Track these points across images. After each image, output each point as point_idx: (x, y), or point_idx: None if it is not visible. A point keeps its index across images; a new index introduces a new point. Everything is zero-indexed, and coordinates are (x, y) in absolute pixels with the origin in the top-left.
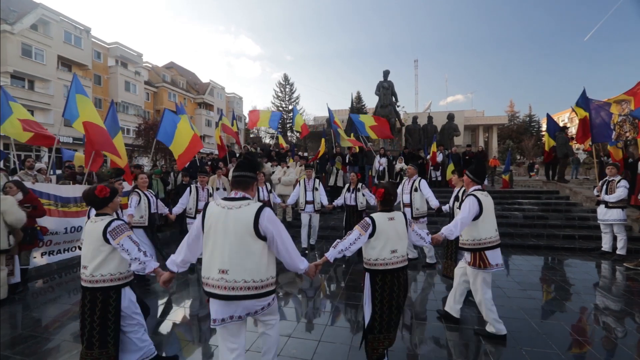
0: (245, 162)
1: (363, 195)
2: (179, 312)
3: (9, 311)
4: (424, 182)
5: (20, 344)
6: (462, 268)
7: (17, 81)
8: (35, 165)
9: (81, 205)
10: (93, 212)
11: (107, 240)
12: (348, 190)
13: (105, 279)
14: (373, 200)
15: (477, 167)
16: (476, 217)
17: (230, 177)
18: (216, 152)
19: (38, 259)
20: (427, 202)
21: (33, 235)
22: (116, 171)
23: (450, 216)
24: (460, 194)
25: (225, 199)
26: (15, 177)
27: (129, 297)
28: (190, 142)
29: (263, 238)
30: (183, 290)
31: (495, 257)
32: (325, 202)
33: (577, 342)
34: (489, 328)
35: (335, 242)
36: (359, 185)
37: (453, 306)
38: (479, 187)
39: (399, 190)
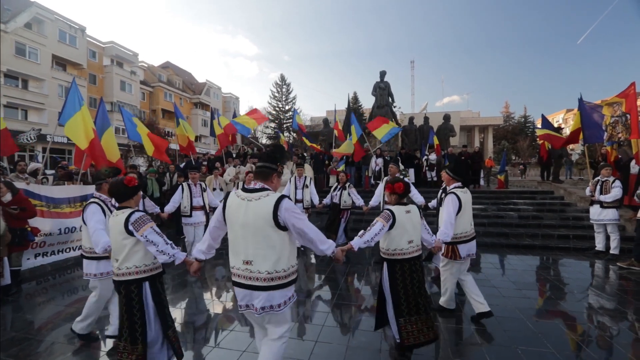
0: (266, 153)
1: (349, 194)
2: (175, 313)
3: (2, 313)
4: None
5: (13, 346)
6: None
7: (11, 80)
8: (27, 168)
9: (75, 206)
10: (91, 209)
11: (129, 233)
12: (335, 188)
13: (130, 272)
14: (359, 201)
15: (455, 165)
16: (457, 212)
17: (225, 178)
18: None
19: (32, 260)
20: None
21: (23, 237)
22: (114, 170)
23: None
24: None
25: (245, 189)
26: (7, 179)
27: (154, 291)
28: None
29: (283, 228)
30: (179, 291)
31: (467, 249)
32: (316, 201)
33: (572, 341)
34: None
35: (361, 233)
36: (347, 184)
37: (476, 304)
38: (459, 184)
39: (380, 188)
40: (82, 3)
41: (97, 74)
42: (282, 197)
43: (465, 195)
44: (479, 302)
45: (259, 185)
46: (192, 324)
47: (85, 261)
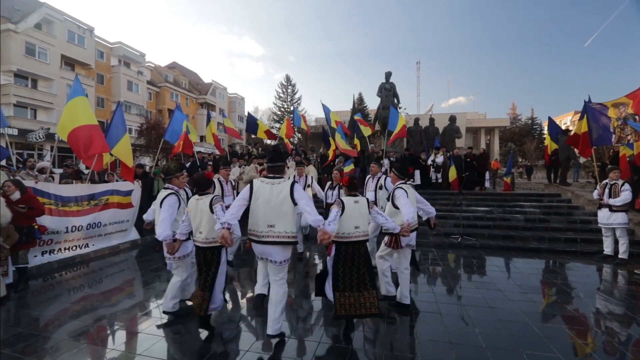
0: (276, 155)
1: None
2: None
3: (9, 309)
4: (389, 180)
5: (20, 342)
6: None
7: (21, 80)
8: (36, 165)
9: (82, 205)
10: (170, 201)
11: (212, 211)
12: (331, 187)
13: (216, 241)
14: None
15: (401, 165)
16: (397, 207)
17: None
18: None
19: (38, 257)
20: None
21: (31, 234)
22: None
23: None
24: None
25: (268, 177)
26: (17, 177)
27: (225, 257)
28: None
29: (294, 202)
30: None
31: (408, 239)
32: (321, 195)
33: (579, 347)
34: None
35: (324, 222)
36: (341, 183)
37: (389, 288)
38: (403, 182)
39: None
40: (90, 4)
41: (105, 74)
42: (294, 182)
43: (410, 190)
44: (393, 289)
45: (277, 176)
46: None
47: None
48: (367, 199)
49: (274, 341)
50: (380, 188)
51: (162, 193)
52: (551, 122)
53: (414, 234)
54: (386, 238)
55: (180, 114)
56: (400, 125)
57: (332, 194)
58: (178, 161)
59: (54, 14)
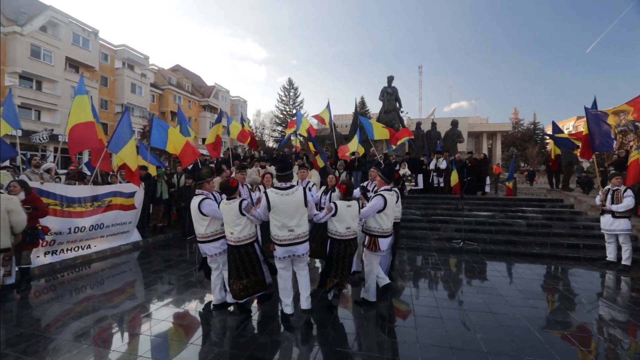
0: (285, 165)
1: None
2: (177, 314)
3: (12, 310)
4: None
5: (22, 342)
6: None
7: (25, 81)
8: (41, 164)
9: (85, 206)
10: (208, 202)
11: (242, 214)
12: (325, 192)
13: (247, 238)
14: None
15: (387, 168)
16: (380, 211)
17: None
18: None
19: (41, 258)
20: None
21: (34, 235)
22: (210, 171)
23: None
24: (370, 188)
25: (279, 188)
26: (22, 176)
27: (259, 248)
28: (185, 147)
29: (306, 205)
30: (185, 291)
31: (384, 244)
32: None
33: (581, 354)
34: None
35: (316, 216)
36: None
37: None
38: (388, 186)
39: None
40: (95, 7)
41: (109, 77)
42: (305, 188)
43: (392, 197)
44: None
45: (288, 184)
46: (195, 325)
47: (204, 245)
48: (358, 201)
49: (306, 315)
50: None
51: (196, 199)
52: (554, 127)
53: (388, 239)
54: (366, 239)
55: (159, 122)
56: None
57: (326, 199)
58: (208, 167)
59: (59, 16)
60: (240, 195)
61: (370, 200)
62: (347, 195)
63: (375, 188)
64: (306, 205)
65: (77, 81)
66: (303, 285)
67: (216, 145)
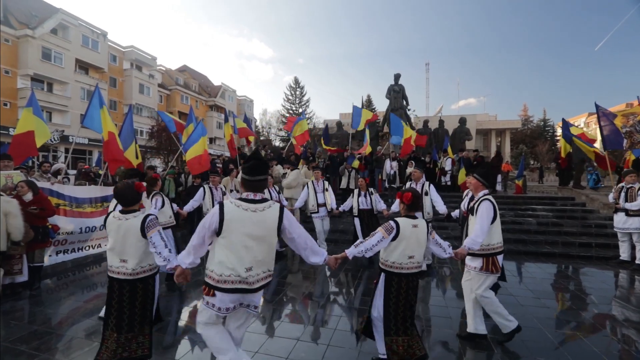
0: (258, 165)
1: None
2: (179, 313)
3: (25, 307)
4: (433, 187)
5: (35, 339)
6: (469, 280)
7: (37, 83)
8: (51, 169)
9: (96, 206)
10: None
11: (144, 236)
12: (359, 195)
13: (145, 270)
14: (381, 205)
15: (487, 170)
16: (491, 222)
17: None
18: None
19: (53, 257)
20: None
21: (45, 234)
22: (130, 171)
23: (461, 220)
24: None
25: (245, 200)
26: (32, 178)
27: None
28: (203, 155)
29: (279, 235)
30: (193, 290)
31: (500, 261)
32: (334, 205)
33: (594, 355)
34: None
35: (357, 242)
36: (370, 189)
37: (478, 326)
38: (487, 191)
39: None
40: (104, 9)
41: (117, 77)
42: (282, 207)
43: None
44: (483, 327)
45: (259, 196)
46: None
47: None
48: (427, 222)
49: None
50: (426, 194)
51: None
52: (565, 123)
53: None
54: (475, 261)
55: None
56: (406, 135)
57: (365, 201)
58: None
59: (69, 19)
60: (206, 199)
61: (478, 210)
62: (412, 209)
63: (470, 195)
64: (279, 232)
65: (87, 82)
66: (238, 342)
67: (232, 143)
